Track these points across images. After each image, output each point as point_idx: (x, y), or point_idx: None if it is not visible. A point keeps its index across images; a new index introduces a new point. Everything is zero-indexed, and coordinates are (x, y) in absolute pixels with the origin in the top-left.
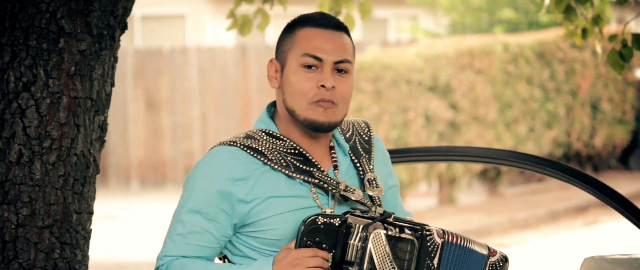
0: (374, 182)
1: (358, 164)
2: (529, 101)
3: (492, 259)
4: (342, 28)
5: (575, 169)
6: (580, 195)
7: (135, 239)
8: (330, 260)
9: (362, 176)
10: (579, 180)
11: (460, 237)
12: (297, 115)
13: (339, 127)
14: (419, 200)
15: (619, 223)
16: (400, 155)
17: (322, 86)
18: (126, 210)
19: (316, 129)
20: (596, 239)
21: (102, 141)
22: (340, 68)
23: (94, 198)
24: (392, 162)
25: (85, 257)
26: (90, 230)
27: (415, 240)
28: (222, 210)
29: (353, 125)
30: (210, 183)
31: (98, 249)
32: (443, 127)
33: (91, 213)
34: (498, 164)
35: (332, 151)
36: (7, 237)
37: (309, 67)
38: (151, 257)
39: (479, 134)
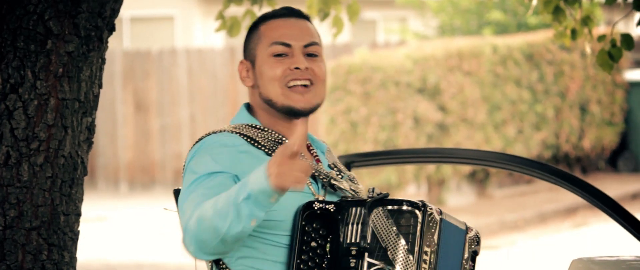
0: (354, 179)
1: (334, 166)
2: (517, 103)
3: (470, 235)
4: (305, 16)
5: (564, 171)
6: (568, 197)
7: (124, 241)
8: (322, 251)
9: (342, 175)
10: (568, 182)
11: (446, 214)
12: (274, 103)
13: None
14: None
15: (607, 225)
16: (389, 156)
17: (296, 68)
18: (115, 211)
19: (296, 114)
20: (584, 241)
21: (90, 143)
22: (310, 52)
23: (82, 200)
24: (381, 164)
25: (73, 258)
26: (78, 231)
27: (419, 213)
28: (237, 174)
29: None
30: (221, 149)
31: (87, 251)
32: (432, 129)
33: (79, 215)
34: (487, 165)
35: (311, 147)
36: None
37: (280, 55)
38: (140, 258)
39: (468, 136)
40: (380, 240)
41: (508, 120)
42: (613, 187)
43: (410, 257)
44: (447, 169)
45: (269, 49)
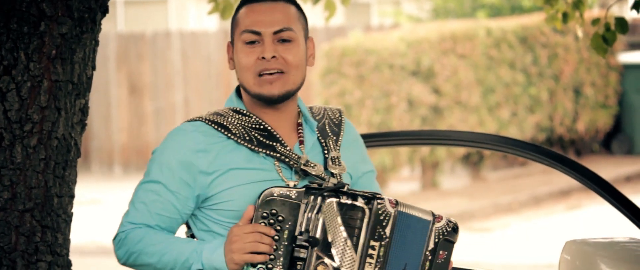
0: (336, 160)
1: (323, 143)
2: (511, 86)
3: (438, 225)
4: None
5: (558, 153)
6: (562, 180)
7: (118, 224)
8: (280, 237)
9: (327, 155)
10: (562, 165)
11: (406, 205)
12: (248, 90)
13: (310, 110)
14: (402, 185)
15: (601, 207)
16: (382, 139)
17: (263, 58)
18: (109, 194)
19: (268, 102)
20: (578, 223)
21: (83, 125)
22: (283, 38)
23: (75, 181)
24: (375, 146)
25: (67, 240)
26: (72, 213)
27: (367, 209)
28: (184, 181)
29: (325, 110)
30: (172, 154)
31: (81, 234)
32: (426, 112)
33: (72, 196)
34: (481, 148)
35: (299, 127)
36: None
37: (252, 43)
38: None
39: (462, 119)
40: (327, 233)
41: (502, 103)
42: (607, 169)
43: (354, 253)
44: (441, 151)
45: (241, 36)
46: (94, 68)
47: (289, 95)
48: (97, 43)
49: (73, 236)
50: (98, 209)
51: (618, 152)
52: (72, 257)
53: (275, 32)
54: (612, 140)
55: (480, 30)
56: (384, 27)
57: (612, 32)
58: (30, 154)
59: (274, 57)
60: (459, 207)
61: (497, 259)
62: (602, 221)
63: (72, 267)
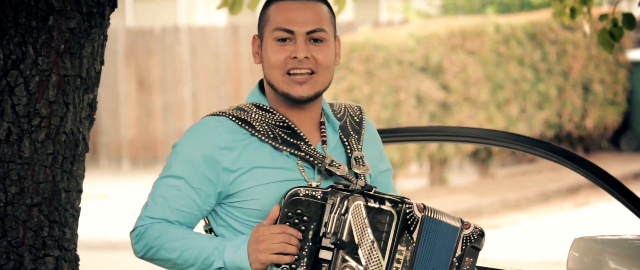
0: (360, 160)
1: (346, 142)
2: (520, 82)
3: (466, 232)
4: None
5: (566, 149)
6: (571, 176)
7: (126, 219)
8: (305, 237)
9: (350, 154)
10: (570, 161)
11: (434, 211)
12: (276, 88)
13: (331, 107)
14: (410, 181)
15: (610, 204)
16: (391, 135)
17: (295, 57)
18: (117, 189)
19: (295, 102)
20: (586, 220)
21: (91, 119)
22: (315, 38)
23: (83, 176)
24: (383, 142)
25: (74, 235)
26: (79, 208)
27: (395, 213)
28: (207, 177)
29: (345, 107)
30: (196, 149)
31: (88, 228)
32: (434, 108)
33: (80, 191)
34: (489, 144)
35: (322, 127)
36: None
37: (283, 40)
38: None
39: (470, 115)
40: (354, 236)
41: (511, 99)
42: (615, 166)
43: (381, 256)
44: (449, 147)
45: (273, 33)
46: (102, 63)
47: (317, 96)
48: (105, 38)
49: (81, 231)
50: (106, 203)
51: (626, 149)
52: (79, 251)
53: (308, 32)
54: (620, 137)
55: (489, 27)
56: (393, 22)
57: (619, 28)
58: (38, 149)
59: (306, 57)
60: (467, 203)
61: (505, 256)
62: (610, 218)
63: (80, 262)
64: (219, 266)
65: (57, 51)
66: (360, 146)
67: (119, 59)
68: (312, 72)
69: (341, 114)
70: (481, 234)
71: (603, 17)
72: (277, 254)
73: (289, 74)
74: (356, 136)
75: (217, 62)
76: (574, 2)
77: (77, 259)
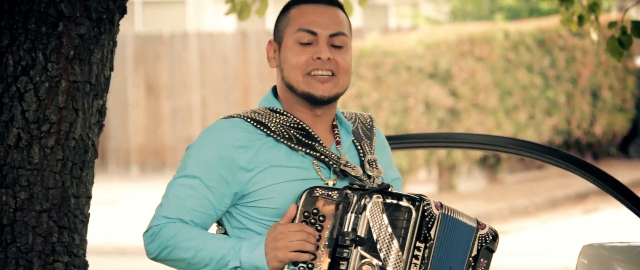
0: (373, 163)
1: (359, 146)
2: (529, 88)
3: (482, 232)
4: (336, 4)
5: (575, 156)
6: (579, 183)
7: (135, 224)
8: (321, 236)
9: (363, 157)
10: (579, 168)
11: (451, 210)
12: (295, 89)
13: (343, 114)
14: (419, 187)
15: (618, 211)
16: (399, 141)
17: (318, 59)
18: (126, 195)
19: (315, 102)
20: (595, 227)
21: (100, 125)
22: (336, 43)
23: (93, 182)
24: (392, 148)
25: (84, 241)
26: (89, 214)
27: (413, 209)
28: (222, 177)
29: (356, 115)
30: (211, 149)
31: (97, 234)
32: (443, 114)
33: (89, 197)
34: (498, 151)
35: (335, 129)
36: (5, 220)
37: (306, 43)
38: None
39: (479, 121)
40: (372, 232)
41: (519, 105)
42: (624, 173)
43: (401, 253)
44: (458, 154)
45: (295, 34)
46: (111, 69)
47: (336, 98)
48: (115, 44)
49: (90, 237)
50: (115, 209)
51: (635, 156)
52: (88, 257)
53: (331, 35)
54: (629, 143)
55: (498, 33)
56: (401, 29)
57: (628, 36)
58: (47, 155)
59: (328, 59)
60: (476, 210)
61: (514, 262)
62: (619, 225)
63: (89, 268)
64: (235, 266)
65: (67, 57)
66: (372, 150)
67: (127, 65)
68: (333, 74)
69: (353, 120)
70: (495, 236)
71: (612, 24)
72: (296, 251)
73: (309, 74)
74: (368, 141)
75: (226, 68)
76: (581, 9)
77: (86, 264)
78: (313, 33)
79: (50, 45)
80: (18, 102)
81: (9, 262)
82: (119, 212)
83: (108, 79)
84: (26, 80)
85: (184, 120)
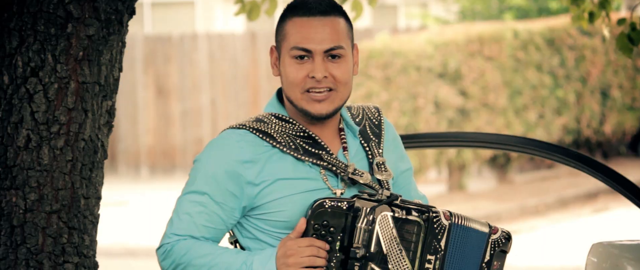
0: (382, 166)
1: (367, 148)
2: (538, 88)
3: (494, 237)
4: (333, 11)
5: (585, 155)
6: (589, 182)
7: (145, 226)
8: (332, 248)
9: (371, 160)
10: (589, 167)
11: (462, 217)
12: (294, 104)
13: (348, 111)
14: (429, 187)
15: (628, 210)
16: (409, 141)
17: (313, 77)
18: (135, 196)
19: (314, 119)
20: (605, 226)
21: (110, 126)
22: (333, 54)
23: (102, 183)
24: None
25: (93, 242)
26: (98, 215)
27: (422, 222)
28: (231, 192)
29: (363, 110)
30: (218, 164)
31: (107, 235)
32: (453, 114)
33: (99, 198)
34: (507, 150)
35: (342, 133)
36: (15, 221)
37: (301, 57)
38: None
39: (489, 121)
40: (382, 246)
41: (529, 105)
42: (634, 171)
43: (410, 267)
44: (467, 153)
45: (290, 51)
46: (120, 70)
47: (336, 112)
48: (123, 45)
49: (100, 238)
50: (125, 210)
51: None
52: (98, 258)
53: (326, 51)
54: (639, 142)
55: (507, 33)
56: (411, 29)
57: (637, 32)
58: (57, 156)
59: (325, 76)
60: (486, 209)
61: (524, 262)
62: (629, 223)
63: (99, 269)
64: None
65: (76, 58)
66: (380, 150)
67: (137, 66)
68: (331, 90)
69: (360, 117)
70: (508, 237)
71: (621, 21)
72: (307, 267)
73: (308, 91)
74: (376, 140)
75: (235, 68)
76: (592, 6)
77: (96, 265)
78: (307, 51)
79: (59, 46)
80: (27, 103)
81: (19, 263)
82: (129, 213)
83: (117, 80)
84: (35, 82)
85: (194, 122)
